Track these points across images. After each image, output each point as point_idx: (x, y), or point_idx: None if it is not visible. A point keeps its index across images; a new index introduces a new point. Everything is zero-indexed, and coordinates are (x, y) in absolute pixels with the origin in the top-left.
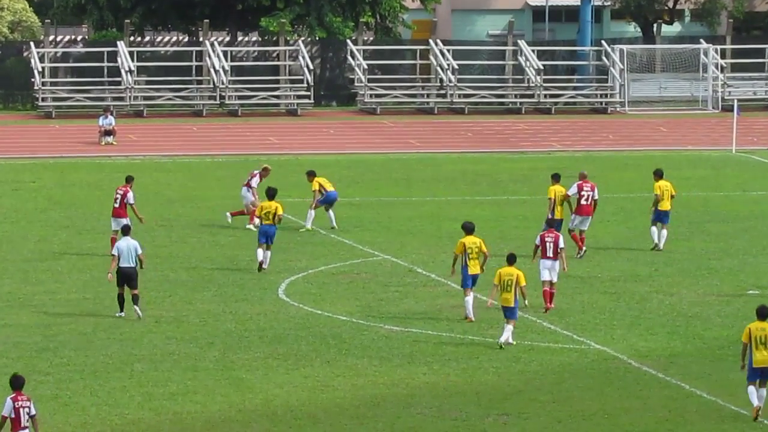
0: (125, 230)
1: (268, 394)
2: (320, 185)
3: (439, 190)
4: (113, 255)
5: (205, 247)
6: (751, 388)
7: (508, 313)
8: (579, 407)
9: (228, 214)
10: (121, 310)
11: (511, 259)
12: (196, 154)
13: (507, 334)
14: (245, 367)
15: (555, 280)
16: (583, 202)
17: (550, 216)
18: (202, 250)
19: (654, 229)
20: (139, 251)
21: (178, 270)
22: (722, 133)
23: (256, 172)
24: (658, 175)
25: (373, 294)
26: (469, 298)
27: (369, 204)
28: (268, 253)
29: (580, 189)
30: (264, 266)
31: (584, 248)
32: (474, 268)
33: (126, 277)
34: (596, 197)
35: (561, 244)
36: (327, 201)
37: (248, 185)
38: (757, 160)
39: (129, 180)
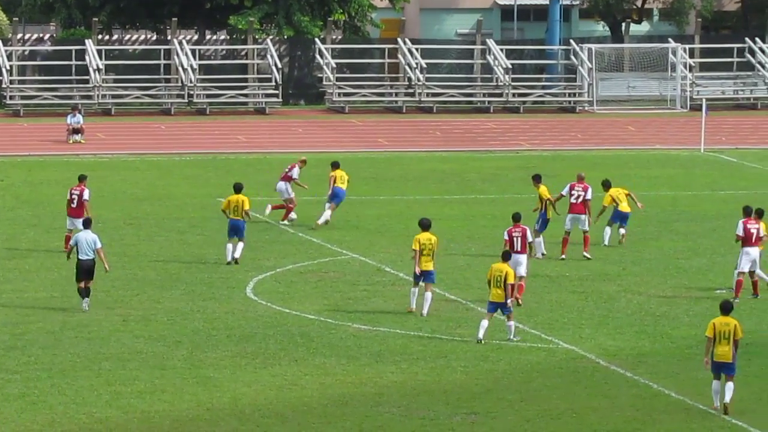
0: (86, 223)
1: (236, 393)
2: (333, 179)
3: (407, 189)
4: (69, 246)
5: (173, 246)
6: (715, 384)
7: (493, 308)
8: (547, 406)
9: (269, 206)
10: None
11: (505, 257)
12: (165, 153)
13: (511, 330)
14: (213, 366)
15: (524, 274)
16: (572, 200)
17: (547, 217)
18: (170, 248)
19: (608, 229)
20: (98, 245)
21: (146, 268)
22: (691, 133)
23: (294, 165)
24: (607, 186)
25: (342, 293)
26: (415, 290)
27: None
28: (241, 245)
29: (571, 188)
30: (236, 256)
31: (586, 253)
32: (426, 265)
33: (85, 270)
34: (588, 197)
35: (529, 238)
36: (332, 196)
37: (287, 178)
38: (726, 159)
39: (82, 179)
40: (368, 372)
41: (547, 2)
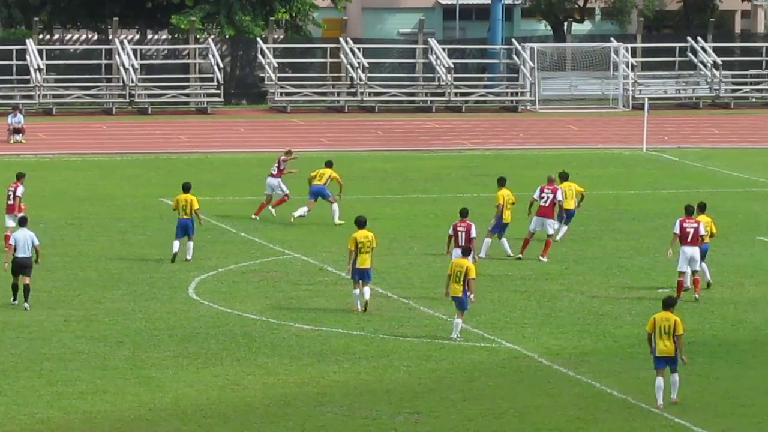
0: (22, 221)
1: (178, 393)
2: (311, 176)
3: (349, 189)
4: (10, 245)
5: (115, 246)
6: (658, 380)
7: (456, 303)
8: (490, 405)
9: (271, 208)
10: (14, 299)
11: (465, 252)
12: (106, 153)
13: (457, 330)
14: (155, 366)
15: None
16: (541, 203)
17: (494, 221)
18: (111, 248)
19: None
20: (36, 243)
21: (88, 269)
22: (633, 132)
23: (281, 158)
24: (563, 177)
25: (284, 292)
26: (357, 291)
27: None
28: (191, 244)
29: (541, 191)
30: (188, 257)
31: (544, 258)
32: (364, 263)
33: (21, 267)
34: (558, 199)
35: (473, 234)
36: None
37: (280, 173)
38: (668, 158)
39: (20, 177)
40: (311, 372)
41: (489, 1)
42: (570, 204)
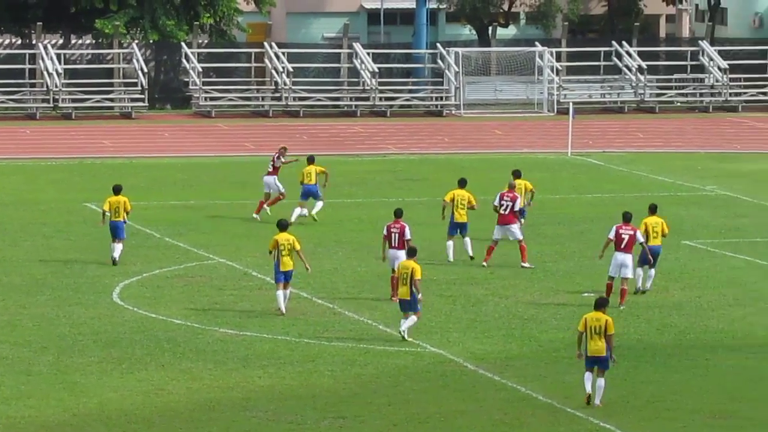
0: None
1: (103, 398)
2: (303, 174)
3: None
4: None
5: (39, 251)
6: (587, 374)
7: (405, 306)
8: (415, 410)
9: (266, 207)
10: None
11: (410, 253)
12: (30, 157)
13: (407, 324)
14: (80, 371)
15: None
16: (501, 211)
17: (442, 218)
18: (35, 253)
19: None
20: None
21: (12, 274)
22: (558, 136)
23: (275, 155)
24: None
25: (208, 297)
26: (280, 292)
27: (204, 207)
28: (120, 246)
29: (501, 198)
30: (114, 256)
31: (526, 263)
32: (286, 265)
33: None
34: (516, 208)
35: (407, 235)
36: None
37: (275, 171)
38: (593, 162)
39: None
40: (235, 376)
41: (414, 6)
42: (520, 202)
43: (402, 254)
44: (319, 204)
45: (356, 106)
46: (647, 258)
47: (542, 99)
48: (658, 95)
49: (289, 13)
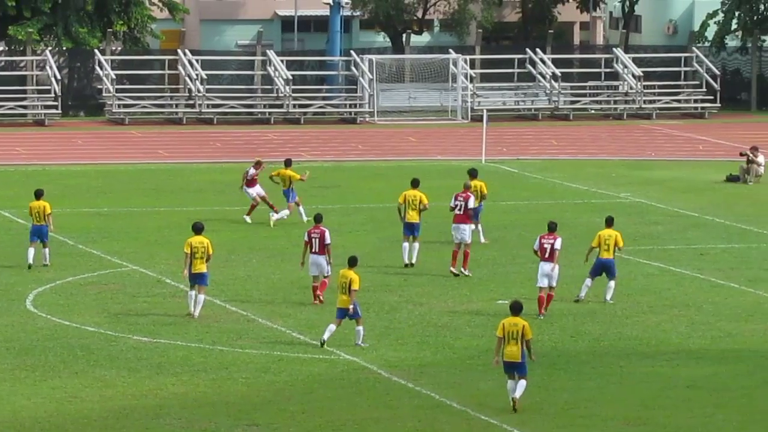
0: None
1: (16, 406)
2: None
3: (187, 201)
4: None
5: None
6: (510, 384)
7: (341, 313)
8: (329, 417)
9: (246, 217)
10: None
11: (351, 262)
12: None
13: (360, 335)
14: None
15: (326, 273)
16: (456, 212)
17: (401, 218)
18: None
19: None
20: None
21: None
22: (472, 143)
23: (251, 171)
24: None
25: (122, 304)
26: (192, 293)
27: (118, 214)
28: (46, 250)
29: (455, 198)
30: (46, 263)
31: (466, 270)
32: (199, 267)
33: None
34: (470, 206)
35: (327, 240)
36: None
37: (254, 181)
38: (506, 170)
39: None
40: (149, 384)
41: (328, 13)
42: (473, 202)
43: (322, 260)
44: (283, 213)
45: (270, 113)
46: (596, 270)
47: (456, 106)
48: (572, 102)
49: (203, 20)
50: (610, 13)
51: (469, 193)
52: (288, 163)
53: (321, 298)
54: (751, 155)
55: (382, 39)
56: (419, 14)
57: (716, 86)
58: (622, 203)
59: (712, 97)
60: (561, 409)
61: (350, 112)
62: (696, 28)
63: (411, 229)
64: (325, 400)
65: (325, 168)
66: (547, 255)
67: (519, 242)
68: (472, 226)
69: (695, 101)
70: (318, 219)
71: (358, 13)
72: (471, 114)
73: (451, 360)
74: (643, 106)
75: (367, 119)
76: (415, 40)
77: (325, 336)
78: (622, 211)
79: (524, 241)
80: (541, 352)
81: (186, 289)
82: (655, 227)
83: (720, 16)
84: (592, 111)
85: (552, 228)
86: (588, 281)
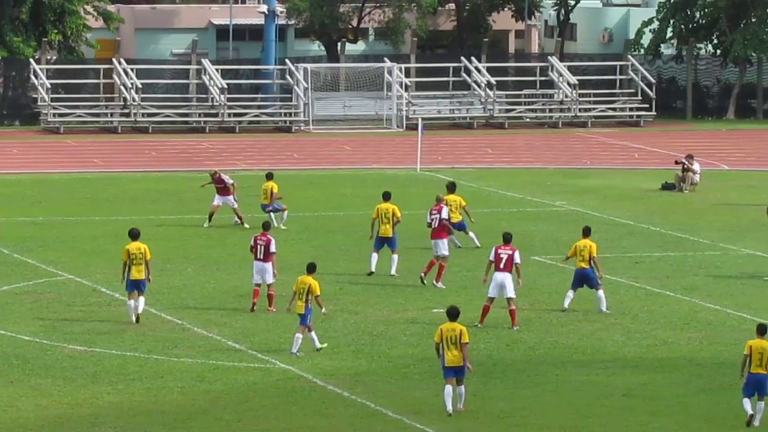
0: None
1: None
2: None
3: (123, 210)
4: None
5: None
6: (447, 389)
7: (302, 319)
8: (264, 426)
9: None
10: None
11: (310, 268)
12: None
13: (316, 341)
14: None
15: (269, 281)
16: (434, 225)
17: (371, 235)
18: None
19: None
20: None
21: None
22: (407, 152)
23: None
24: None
25: (57, 313)
26: (131, 302)
27: (53, 223)
28: None
29: (430, 213)
30: None
31: (438, 283)
32: (137, 274)
33: None
34: (444, 217)
35: (272, 249)
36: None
37: (225, 190)
38: (442, 178)
39: None
40: (84, 393)
41: (263, 22)
42: (457, 216)
43: (268, 266)
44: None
45: (205, 122)
46: (577, 281)
47: (391, 115)
48: (508, 111)
49: (138, 29)
50: (545, 21)
51: (441, 205)
52: (269, 176)
53: (271, 309)
54: (686, 163)
55: (317, 48)
56: (354, 23)
57: (652, 94)
58: (558, 211)
59: (647, 106)
60: (496, 418)
61: (285, 121)
62: (631, 36)
63: (384, 243)
64: (260, 409)
65: (260, 177)
66: (502, 265)
67: (453, 251)
68: (452, 238)
69: (631, 109)
70: (266, 227)
71: (293, 22)
72: (406, 122)
73: (387, 368)
74: (579, 114)
75: (302, 128)
76: (350, 48)
77: (294, 348)
78: (558, 219)
79: (457, 249)
80: (476, 360)
81: (123, 298)
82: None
83: (655, 24)
84: (528, 119)
85: (507, 239)
86: (570, 293)
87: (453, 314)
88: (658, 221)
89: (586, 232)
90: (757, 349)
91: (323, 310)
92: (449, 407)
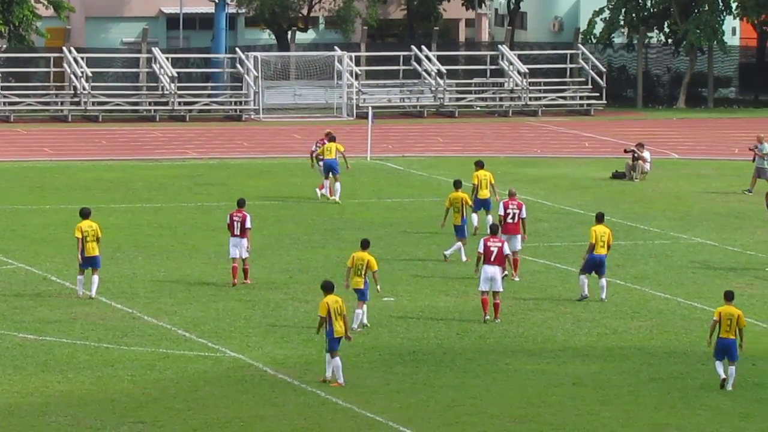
0: None
1: None
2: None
3: (73, 198)
4: None
5: None
6: (336, 360)
7: (359, 295)
8: (215, 415)
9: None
10: None
11: (364, 245)
12: None
13: (361, 317)
14: None
15: (245, 255)
16: (508, 220)
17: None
18: None
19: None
20: None
21: None
22: (357, 141)
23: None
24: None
25: (7, 302)
26: (81, 278)
27: (2, 212)
28: None
29: (505, 207)
30: None
31: (516, 275)
32: (92, 251)
33: None
34: (524, 216)
35: (248, 224)
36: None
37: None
38: (392, 167)
39: None
40: (34, 382)
41: (213, 11)
42: (485, 194)
43: (244, 242)
44: (338, 188)
45: (155, 110)
46: (590, 267)
47: (341, 103)
48: (458, 100)
49: (88, 18)
50: (496, 10)
51: (519, 202)
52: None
53: (247, 281)
54: (636, 152)
55: (267, 36)
56: (304, 11)
57: (602, 83)
58: None
59: (597, 94)
60: (446, 407)
61: (235, 110)
62: (582, 25)
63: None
64: (210, 398)
65: (210, 165)
66: (492, 258)
67: (403, 240)
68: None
69: (581, 98)
70: (241, 203)
71: (243, 11)
72: (356, 111)
73: None
74: (529, 103)
75: (252, 116)
76: (301, 37)
77: (355, 325)
78: None
79: (408, 238)
80: (426, 349)
81: (74, 287)
82: (540, 224)
83: (606, 13)
84: (478, 108)
85: (494, 230)
86: (583, 278)
87: (327, 288)
88: (609, 210)
89: (600, 218)
90: (726, 315)
91: (378, 286)
92: (338, 378)
